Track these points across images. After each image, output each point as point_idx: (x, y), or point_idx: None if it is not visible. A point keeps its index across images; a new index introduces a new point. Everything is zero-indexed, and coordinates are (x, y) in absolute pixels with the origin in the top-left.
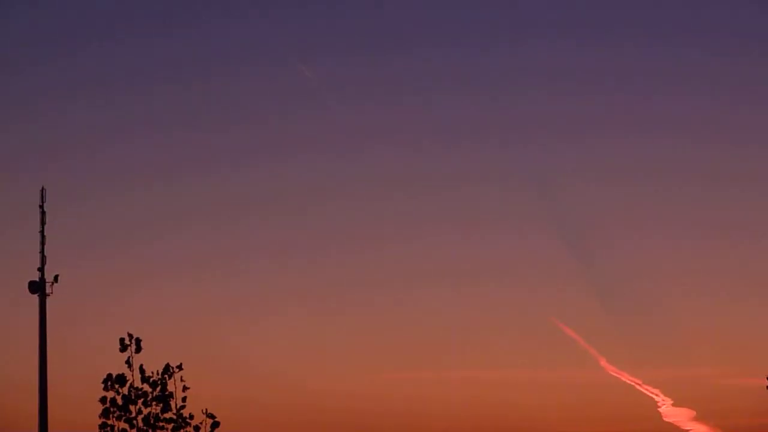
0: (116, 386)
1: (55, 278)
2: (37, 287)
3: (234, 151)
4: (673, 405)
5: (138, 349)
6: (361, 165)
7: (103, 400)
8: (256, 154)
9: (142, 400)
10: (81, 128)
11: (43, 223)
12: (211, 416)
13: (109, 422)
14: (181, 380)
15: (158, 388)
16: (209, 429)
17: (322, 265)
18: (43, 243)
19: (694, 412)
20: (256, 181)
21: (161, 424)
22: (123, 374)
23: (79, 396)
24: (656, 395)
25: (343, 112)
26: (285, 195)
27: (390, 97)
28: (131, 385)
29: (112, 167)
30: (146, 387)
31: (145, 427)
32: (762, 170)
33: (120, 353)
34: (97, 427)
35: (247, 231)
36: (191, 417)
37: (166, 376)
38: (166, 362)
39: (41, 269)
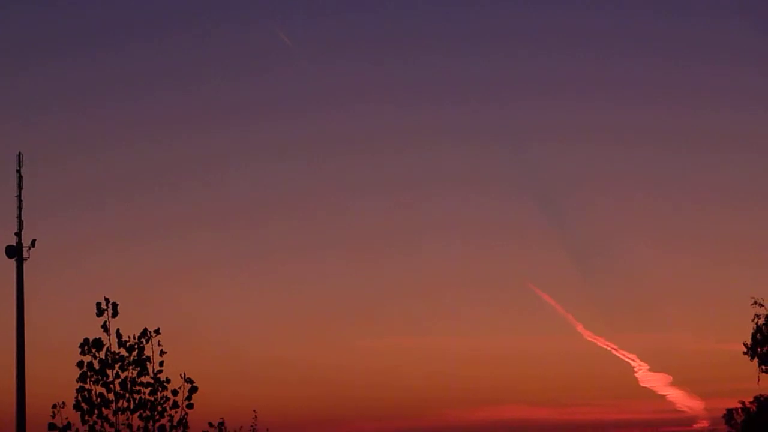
0: (93, 350)
1: (32, 243)
2: (14, 252)
3: (202, 113)
4: (649, 370)
5: (115, 314)
6: (314, 127)
7: (80, 364)
8: (224, 116)
9: (119, 364)
10: (56, 93)
11: (20, 187)
12: (189, 381)
13: (87, 386)
14: (159, 344)
15: (135, 353)
16: (187, 393)
17: (278, 228)
18: (20, 208)
19: (671, 378)
20: (231, 141)
21: (138, 388)
22: (100, 338)
23: (56, 360)
24: (633, 360)
25: (311, 72)
26: (253, 155)
27: (362, 56)
28: (108, 350)
29: (87, 132)
30: (123, 351)
31: (122, 391)
32: (744, 133)
33: (96, 317)
34: (75, 391)
35: (224, 191)
36: (168, 381)
37: (143, 340)
38: (143, 327)
39: (18, 234)
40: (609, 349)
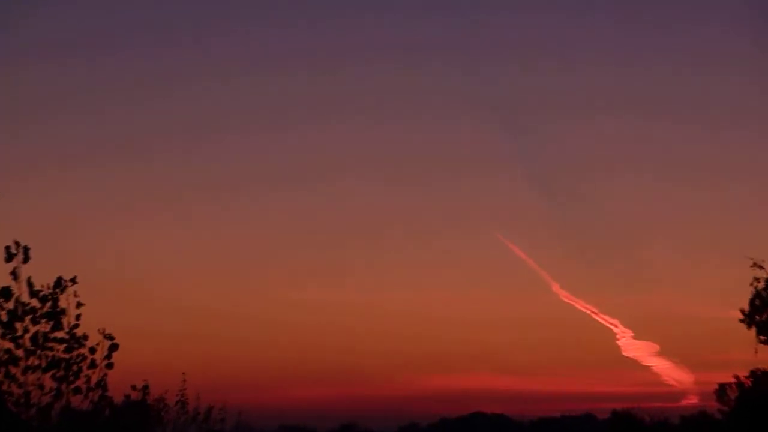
0: (0, 301)
1: None
2: None
3: (123, 38)
4: (633, 338)
5: (26, 259)
6: (267, 41)
7: None
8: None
9: (29, 317)
10: None
11: None
12: (109, 337)
13: None
14: (75, 295)
15: (48, 304)
16: (106, 352)
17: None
18: None
19: (657, 346)
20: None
21: (51, 344)
22: (8, 287)
23: None
24: (615, 326)
25: None
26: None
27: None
28: (18, 300)
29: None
30: (35, 302)
31: (32, 348)
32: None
33: (5, 263)
34: None
35: (149, 119)
36: (85, 337)
37: (57, 290)
38: (58, 275)
39: None
40: (588, 312)
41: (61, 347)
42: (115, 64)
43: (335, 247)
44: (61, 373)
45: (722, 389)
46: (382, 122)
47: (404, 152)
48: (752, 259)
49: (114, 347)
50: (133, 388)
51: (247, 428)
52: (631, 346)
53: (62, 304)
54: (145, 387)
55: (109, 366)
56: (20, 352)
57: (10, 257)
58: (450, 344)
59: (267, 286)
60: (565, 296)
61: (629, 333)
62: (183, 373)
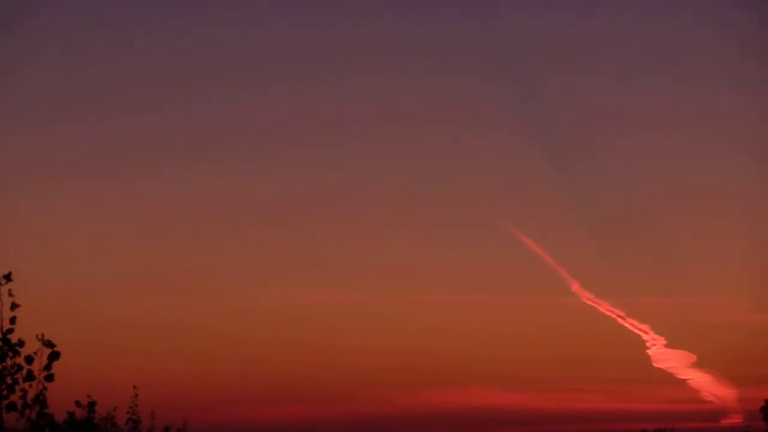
0: None
1: None
2: None
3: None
4: (666, 346)
5: None
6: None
7: None
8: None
9: None
10: None
11: None
12: (50, 344)
13: None
14: (10, 295)
15: None
16: (46, 361)
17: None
18: None
19: (694, 357)
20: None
21: None
22: None
23: None
24: (644, 332)
25: None
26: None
27: None
28: None
29: None
30: None
31: None
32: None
33: None
34: None
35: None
36: (21, 344)
37: None
38: None
39: None
40: (614, 316)
41: None
42: None
43: (304, 238)
44: None
45: None
46: (374, 81)
47: (392, 113)
48: None
49: (55, 356)
50: (77, 404)
51: None
52: (664, 356)
53: None
54: (92, 403)
55: (49, 378)
56: None
57: None
58: (448, 355)
59: (227, 291)
60: (586, 297)
61: (661, 340)
62: (134, 387)
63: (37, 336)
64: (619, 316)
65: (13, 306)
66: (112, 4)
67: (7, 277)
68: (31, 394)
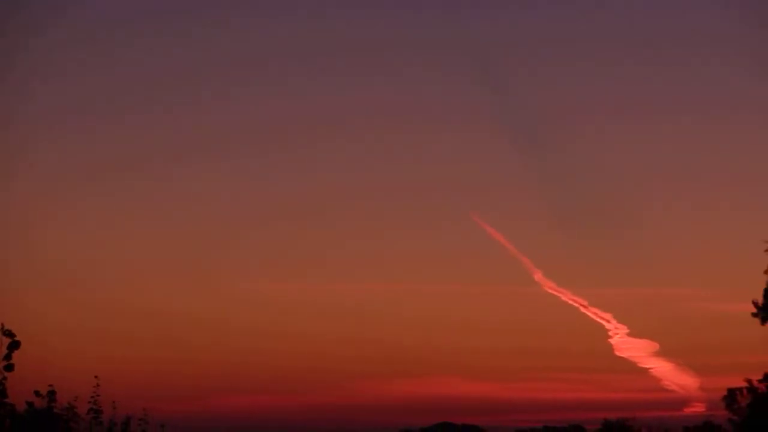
0: None
1: None
2: None
3: None
4: (628, 335)
5: None
6: None
7: None
8: None
9: None
10: None
11: None
12: (9, 334)
13: None
14: None
15: None
16: (6, 351)
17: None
18: None
19: (657, 345)
20: None
21: None
22: None
23: None
24: (607, 321)
25: None
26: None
27: None
28: None
29: None
30: None
31: None
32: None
33: None
34: None
35: None
36: None
37: None
38: None
39: None
40: (577, 305)
41: None
42: None
43: (278, 231)
44: None
45: (732, 395)
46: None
47: (367, 112)
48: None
49: (14, 345)
50: (37, 394)
51: None
52: (626, 345)
53: None
54: (51, 393)
55: (9, 368)
56: None
57: None
58: (413, 345)
59: (201, 278)
60: (549, 287)
61: (624, 329)
62: (96, 377)
63: None
64: (581, 306)
65: None
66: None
67: None
68: None
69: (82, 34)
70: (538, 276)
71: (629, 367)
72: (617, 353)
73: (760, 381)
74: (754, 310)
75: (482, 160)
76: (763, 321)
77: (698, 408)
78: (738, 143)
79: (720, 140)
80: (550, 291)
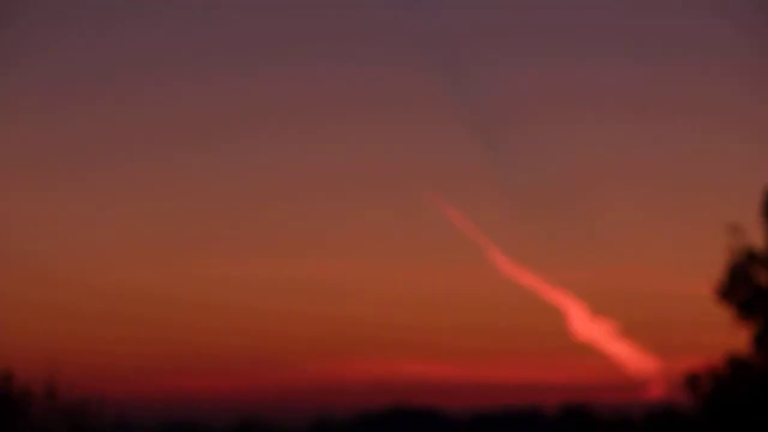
0: None
1: None
2: None
3: None
4: (588, 316)
5: None
6: None
7: None
8: None
9: None
10: None
11: None
12: None
13: None
14: None
15: None
16: None
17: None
18: None
19: (616, 327)
20: None
21: None
22: None
23: None
24: (565, 302)
25: None
26: None
27: None
28: None
29: None
30: None
31: None
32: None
33: None
34: None
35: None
36: None
37: None
38: None
39: None
40: (535, 285)
41: None
42: None
43: (231, 211)
44: None
45: (693, 379)
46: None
47: (319, 97)
48: (730, 223)
49: None
50: None
51: (128, 424)
52: (585, 325)
53: None
54: (8, 375)
55: None
56: None
57: None
58: (368, 326)
59: (160, 258)
60: (507, 266)
61: (583, 310)
62: (51, 358)
63: None
64: (539, 286)
65: None
66: None
67: None
68: None
69: (62, 12)
70: (495, 255)
71: (588, 350)
72: (576, 334)
73: (722, 364)
74: (714, 290)
75: (439, 142)
76: (725, 304)
77: (658, 391)
78: (694, 122)
79: (678, 121)
80: (507, 271)
